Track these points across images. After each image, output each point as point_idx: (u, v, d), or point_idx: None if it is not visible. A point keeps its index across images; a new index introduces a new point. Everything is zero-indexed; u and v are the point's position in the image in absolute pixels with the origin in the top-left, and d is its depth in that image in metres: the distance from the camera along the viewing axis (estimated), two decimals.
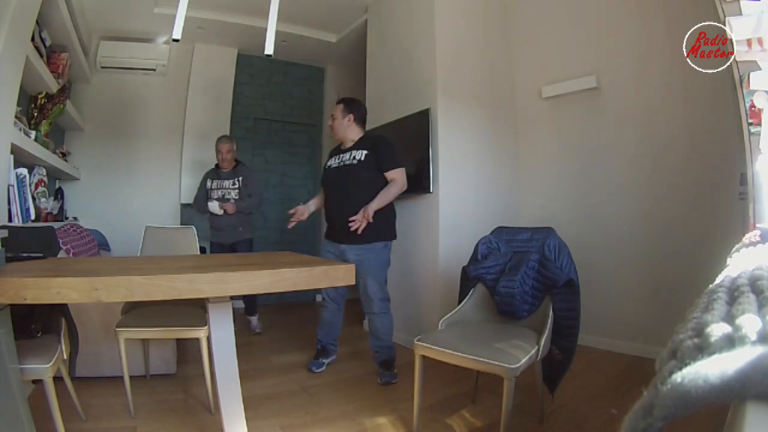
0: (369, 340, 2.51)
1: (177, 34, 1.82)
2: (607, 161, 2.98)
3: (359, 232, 2.30)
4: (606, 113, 3.00)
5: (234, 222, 3.29)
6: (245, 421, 1.46)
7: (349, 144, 2.51)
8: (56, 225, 2.56)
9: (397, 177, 2.42)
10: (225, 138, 3.44)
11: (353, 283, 1.37)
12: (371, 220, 2.30)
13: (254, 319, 3.49)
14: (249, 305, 3.52)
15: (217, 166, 3.42)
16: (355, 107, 2.54)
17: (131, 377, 1.93)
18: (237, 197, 3.31)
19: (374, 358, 2.48)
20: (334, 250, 2.48)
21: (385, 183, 2.41)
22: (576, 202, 3.14)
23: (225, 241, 3.32)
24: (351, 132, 2.51)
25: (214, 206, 3.22)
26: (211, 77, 4.34)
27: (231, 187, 3.35)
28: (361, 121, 2.55)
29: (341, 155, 2.52)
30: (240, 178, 3.35)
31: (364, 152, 2.42)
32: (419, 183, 2.99)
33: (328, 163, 2.59)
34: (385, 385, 2.33)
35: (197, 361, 2.01)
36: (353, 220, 2.30)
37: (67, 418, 1.55)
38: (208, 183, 3.37)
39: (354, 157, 2.43)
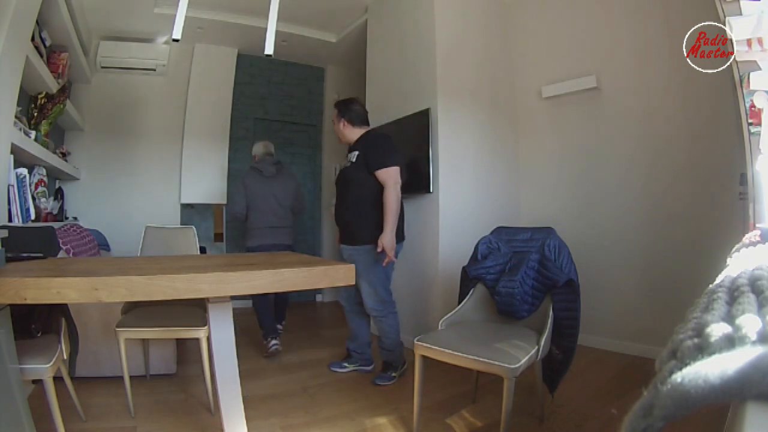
0: None
1: (177, 34, 1.82)
2: (607, 161, 2.98)
3: (386, 264, 2.30)
4: (606, 113, 3.00)
5: None
6: (245, 421, 1.46)
7: (352, 145, 2.51)
8: (56, 225, 2.56)
9: (385, 178, 2.29)
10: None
11: (353, 283, 1.37)
12: (390, 254, 2.26)
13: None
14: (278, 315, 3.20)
15: None
16: (346, 110, 2.50)
17: (131, 377, 1.93)
18: None
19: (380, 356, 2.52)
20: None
21: (379, 184, 2.33)
22: (576, 202, 3.14)
23: None
24: (350, 134, 2.49)
25: None
26: (211, 77, 4.34)
27: None
28: (357, 121, 2.49)
29: (347, 157, 2.54)
30: None
31: (357, 153, 2.41)
32: (419, 183, 2.99)
33: (342, 165, 2.64)
34: (379, 386, 2.33)
35: (197, 361, 2.01)
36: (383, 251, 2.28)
37: (67, 418, 1.55)
38: None
39: (350, 159, 2.44)
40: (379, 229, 2.28)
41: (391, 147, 2.39)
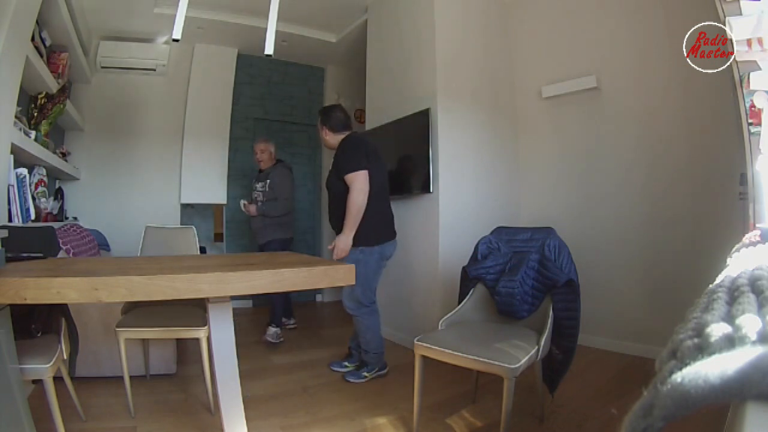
0: None
1: (177, 34, 1.82)
2: (607, 161, 2.98)
3: (335, 258, 2.34)
4: (606, 113, 3.00)
5: (259, 224, 3.35)
6: (245, 421, 1.46)
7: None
8: (56, 225, 2.56)
9: (350, 183, 2.30)
10: (260, 139, 3.57)
11: (353, 283, 1.37)
12: (340, 255, 2.33)
13: (271, 329, 3.20)
14: (272, 313, 3.25)
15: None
16: (327, 117, 2.55)
17: (131, 377, 1.93)
18: (263, 199, 3.33)
19: None
20: None
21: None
22: (576, 202, 3.14)
23: (258, 241, 3.41)
24: (332, 140, 2.55)
25: (241, 204, 3.43)
26: (211, 77, 4.34)
27: (260, 188, 3.40)
28: (339, 127, 2.52)
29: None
30: (268, 181, 3.34)
31: (333, 159, 2.48)
32: (419, 183, 2.99)
33: None
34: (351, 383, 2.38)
35: (197, 361, 2.01)
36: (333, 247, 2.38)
37: (67, 418, 1.55)
38: (252, 183, 3.54)
39: (331, 165, 2.51)
40: (358, 231, 2.34)
41: (359, 152, 2.38)
